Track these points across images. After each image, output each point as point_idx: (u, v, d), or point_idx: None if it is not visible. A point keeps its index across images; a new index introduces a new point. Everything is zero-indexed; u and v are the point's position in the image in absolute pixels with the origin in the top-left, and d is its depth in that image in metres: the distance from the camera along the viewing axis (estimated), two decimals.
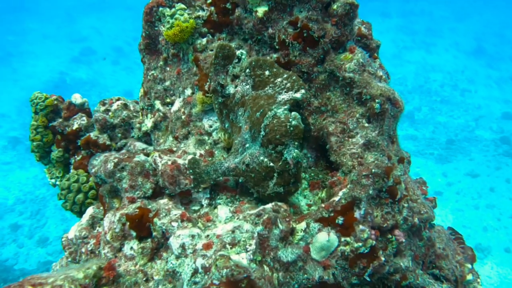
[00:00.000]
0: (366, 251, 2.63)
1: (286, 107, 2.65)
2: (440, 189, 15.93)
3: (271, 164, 2.62)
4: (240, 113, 2.96)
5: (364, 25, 3.64)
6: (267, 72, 2.89)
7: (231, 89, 3.08)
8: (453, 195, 15.80)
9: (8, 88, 23.79)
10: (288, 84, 2.79)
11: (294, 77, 2.81)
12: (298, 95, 2.72)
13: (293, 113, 2.58)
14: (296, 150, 2.55)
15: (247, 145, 2.78)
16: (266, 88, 2.84)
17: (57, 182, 4.11)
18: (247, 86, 2.95)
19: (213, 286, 2.10)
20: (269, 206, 2.66)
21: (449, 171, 17.14)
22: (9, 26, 30.52)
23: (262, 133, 2.61)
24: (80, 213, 3.80)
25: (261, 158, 2.65)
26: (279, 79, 2.83)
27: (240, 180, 2.90)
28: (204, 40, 3.27)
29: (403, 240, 2.80)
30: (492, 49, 28.26)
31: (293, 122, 2.54)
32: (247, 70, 2.95)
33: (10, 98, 22.50)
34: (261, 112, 2.68)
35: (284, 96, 2.74)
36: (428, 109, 21.79)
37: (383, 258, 2.67)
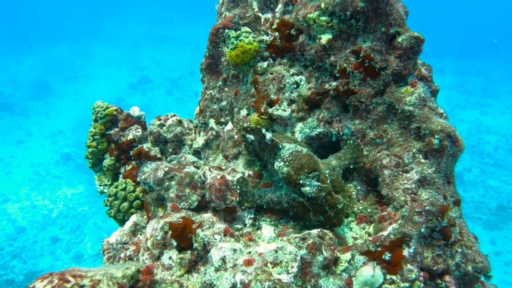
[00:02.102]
0: None
1: (291, 145, 2.68)
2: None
3: (301, 199, 2.65)
4: (266, 158, 3.02)
5: (424, 67, 3.59)
6: None
7: (251, 137, 3.12)
8: (501, 266, 14.64)
9: (69, 106, 25.28)
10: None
11: None
12: (268, 136, 2.73)
13: (283, 153, 2.63)
14: (305, 188, 2.53)
15: (280, 184, 2.87)
16: None
17: (105, 190, 4.21)
18: None
19: None
20: (314, 231, 2.59)
21: (498, 239, 15.99)
22: (80, 50, 32.84)
23: (280, 175, 2.68)
24: (122, 221, 3.85)
25: (292, 195, 2.70)
26: None
27: (290, 214, 2.92)
28: (265, 64, 3.35)
29: None
30: None
31: (284, 169, 2.60)
32: None
33: (68, 117, 23.82)
34: (273, 155, 2.78)
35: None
36: (479, 171, 20.78)
37: None
